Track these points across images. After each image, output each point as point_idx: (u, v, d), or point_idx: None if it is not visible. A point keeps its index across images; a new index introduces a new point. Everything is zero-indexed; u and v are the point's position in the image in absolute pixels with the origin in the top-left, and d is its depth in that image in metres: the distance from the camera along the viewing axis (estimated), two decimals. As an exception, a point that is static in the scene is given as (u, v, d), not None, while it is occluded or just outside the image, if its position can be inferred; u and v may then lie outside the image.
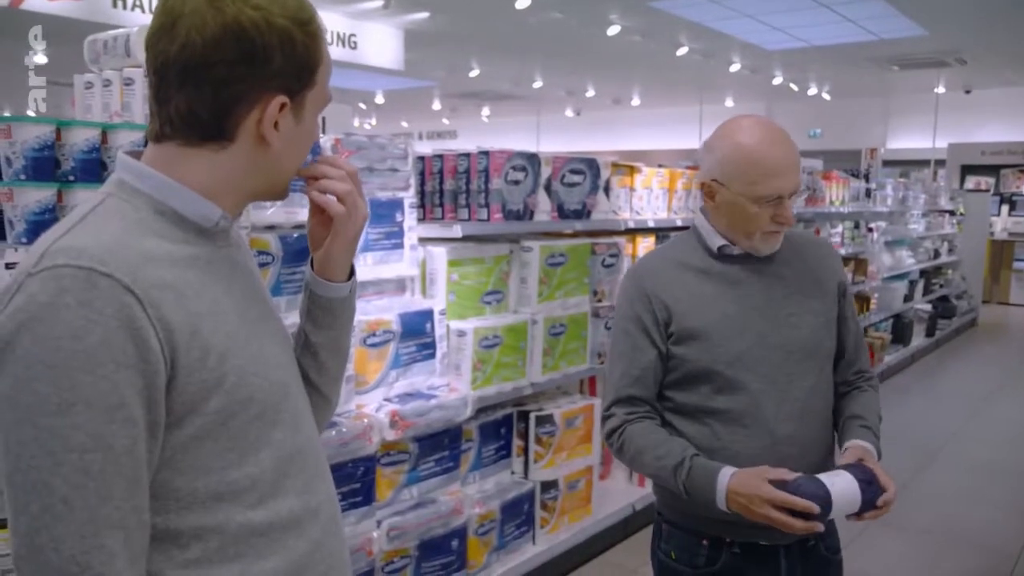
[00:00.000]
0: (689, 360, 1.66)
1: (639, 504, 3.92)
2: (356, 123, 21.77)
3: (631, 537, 3.89)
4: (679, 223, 4.23)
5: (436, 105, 17.43)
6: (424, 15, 8.20)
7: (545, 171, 3.34)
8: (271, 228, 2.46)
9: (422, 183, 3.31)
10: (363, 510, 2.59)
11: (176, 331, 0.88)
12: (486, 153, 3.12)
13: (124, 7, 6.60)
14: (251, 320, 1.01)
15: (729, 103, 15.46)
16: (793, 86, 12.84)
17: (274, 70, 0.94)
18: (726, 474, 1.53)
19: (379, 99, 15.96)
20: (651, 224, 4.03)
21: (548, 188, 3.37)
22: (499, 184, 3.11)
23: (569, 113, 18.10)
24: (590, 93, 14.53)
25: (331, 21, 8.16)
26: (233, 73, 0.92)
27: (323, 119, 3.11)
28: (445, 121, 20.78)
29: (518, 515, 3.22)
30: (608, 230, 3.80)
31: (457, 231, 2.99)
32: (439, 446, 2.88)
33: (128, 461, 0.85)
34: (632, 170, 3.92)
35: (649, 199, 4.04)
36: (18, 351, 0.82)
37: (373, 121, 21.99)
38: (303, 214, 2.50)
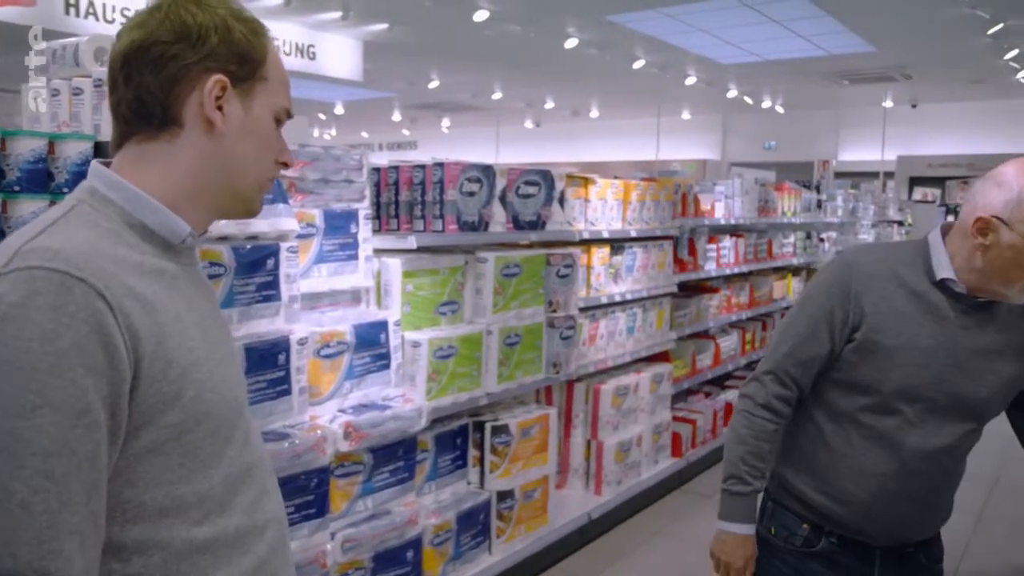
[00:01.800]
0: (860, 371, 1.67)
1: (595, 512, 3.96)
2: (316, 133, 21.67)
3: (588, 545, 3.93)
4: (633, 234, 4.30)
5: (396, 116, 17.43)
6: (383, 26, 8.22)
7: (500, 182, 3.37)
8: (223, 239, 2.45)
9: (378, 194, 3.32)
10: (316, 522, 2.58)
11: (142, 341, 0.89)
12: (441, 165, 3.14)
13: (78, 14, 6.50)
14: (211, 338, 1.02)
15: (686, 115, 15.71)
16: (747, 99, 13.09)
17: (210, 50, 0.99)
18: (745, 528, 1.75)
19: (339, 110, 15.92)
20: (605, 235, 4.08)
21: (503, 199, 3.40)
22: (454, 195, 3.13)
23: (529, 124, 18.22)
24: (549, 105, 14.66)
25: (289, 32, 8.14)
26: (169, 52, 0.98)
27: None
28: (405, 132, 20.76)
29: (474, 525, 3.23)
30: (563, 241, 3.84)
31: (412, 242, 3.00)
32: (394, 457, 2.88)
33: (89, 467, 0.85)
34: (586, 181, 3.98)
35: (604, 210, 4.10)
36: None
37: (333, 132, 21.88)
38: (256, 225, 2.52)
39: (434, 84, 12.09)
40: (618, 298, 4.22)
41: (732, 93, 12.45)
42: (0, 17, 6.23)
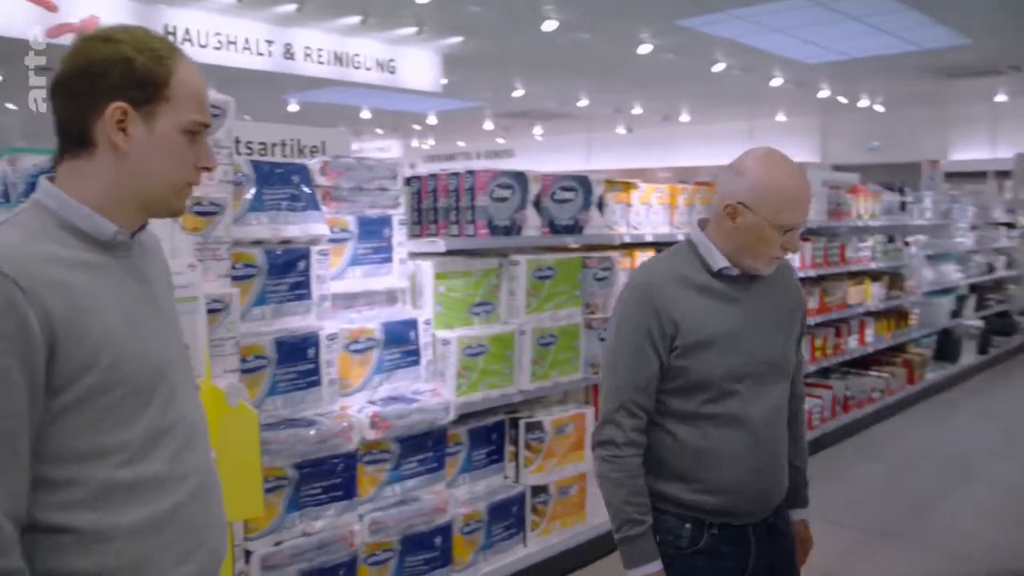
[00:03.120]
0: (691, 371, 1.81)
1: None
2: (414, 143, 22.35)
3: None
4: (681, 237, 4.33)
5: (488, 125, 17.76)
6: (459, 39, 8.48)
7: (533, 188, 3.50)
8: (258, 243, 2.69)
9: (419, 201, 3.51)
10: (344, 503, 2.78)
11: (56, 318, 1.11)
12: (472, 172, 3.30)
13: (176, 41, 7.03)
14: (136, 317, 1.22)
15: (780, 117, 15.35)
16: (842, 99, 12.70)
17: (111, 83, 1.18)
18: (654, 566, 1.79)
19: (431, 120, 16.38)
20: (649, 239, 4.14)
21: (537, 204, 3.53)
22: (484, 201, 3.29)
23: (621, 130, 18.20)
24: (637, 111, 14.64)
25: (370, 48, 8.53)
26: (77, 86, 1.19)
27: (323, 143, 3.37)
28: (500, 140, 21.10)
29: (506, 517, 3.36)
30: (603, 245, 3.93)
31: (441, 246, 3.18)
32: (422, 447, 3.05)
33: (6, 417, 1.07)
34: (628, 186, 4.05)
35: (648, 214, 4.16)
36: None
37: (431, 142, 22.51)
38: (288, 230, 2.75)
39: (518, 93, 12.32)
40: (664, 300, 4.26)
41: (825, 93, 12.12)
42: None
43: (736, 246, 1.81)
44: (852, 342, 6.15)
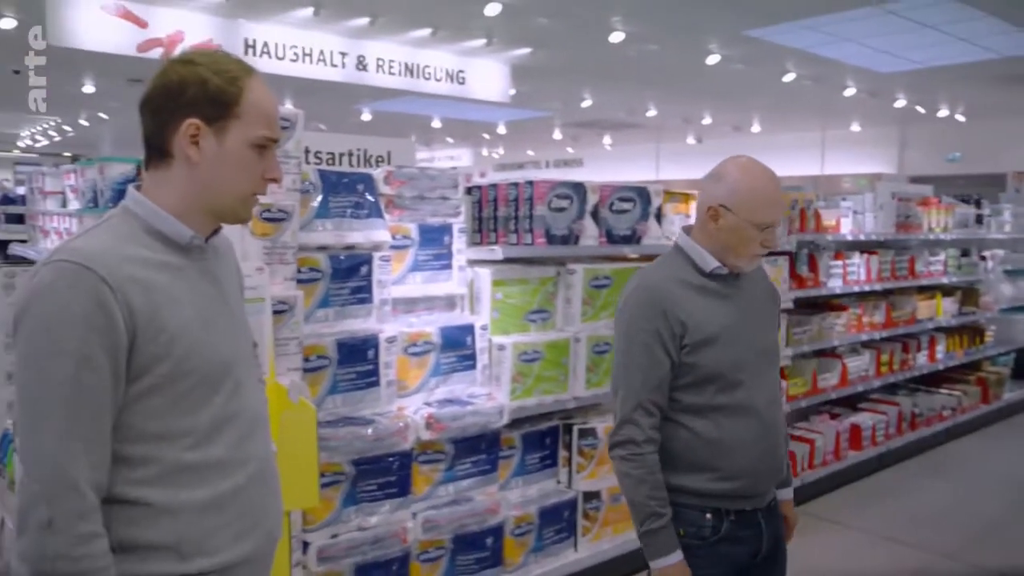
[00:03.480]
0: (700, 365, 1.93)
1: (690, 521, 4.02)
2: (484, 152, 22.60)
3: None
4: (740, 248, 4.33)
5: (557, 135, 17.84)
6: (527, 51, 8.60)
7: (592, 199, 3.57)
8: (322, 248, 2.82)
9: (480, 210, 3.62)
10: (398, 500, 2.89)
11: (137, 312, 1.24)
12: (531, 183, 3.39)
13: (255, 53, 7.35)
14: (208, 315, 1.35)
15: (855, 127, 15.01)
16: (919, 108, 12.35)
17: (187, 101, 1.31)
18: (676, 556, 1.90)
19: (501, 129, 16.55)
20: (707, 249, 4.15)
21: (595, 215, 3.59)
22: (542, 211, 3.36)
23: (691, 140, 18.05)
24: (707, 121, 14.53)
25: (440, 59, 8.72)
26: (158, 103, 1.33)
27: (389, 153, 3.50)
28: (569, 150, 21.15)
29: (557, 521, 3.42)
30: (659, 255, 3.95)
31: (498, 253, 3.26)
32: (476, 449, 3.14)
33: (93, 396, 1.20)
34: (687, 197, 4.07)
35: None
36: (29, 314, 1.21)
37: (501, 151, 22.73)
38: (351, 237, 2.88)
39: (587, 103, 12.37)
40: (722, 312, 4.26)
41: (901, 103, 11.81)
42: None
43: (720, 246, 1.96)
44: (921, 358, 6.00)
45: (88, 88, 10.80)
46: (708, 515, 1.96)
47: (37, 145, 18.59)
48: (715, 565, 1.97)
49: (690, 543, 1.94)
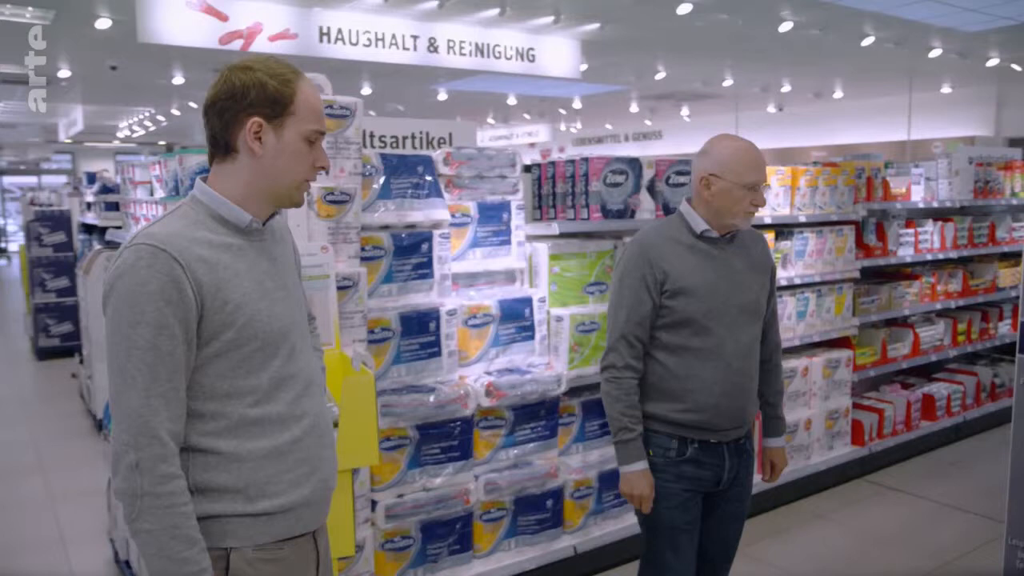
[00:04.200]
0: (678, 310, 2.30)
1: (753, 490, 4.08)
2: (562, 127, 22.59)
3: (746, 520, 4.06)
4: (802, 219, 4.33)
5: (634, 107, 17.70)
6: (595, 26, 8.60)
7: (648, 173, 3.65)
8: (385, 228, 3.01)
9: (539, 187, 3.74)
10: (460, 463, 3.07)
11: (204, 286, 1.43)
12: (587, 159, 3.49)
13: (330, 40, 7.61)
14: (266, 288, 1.53)
15: (946, 89, 14.38)
16: (1015, 67, 11.75)
17: (249, 101, 1.48)
18: (641, 465, 2.31)
19: (576, 104, 16.54)
20: (768, 221, 4.17)
21: (652, 189, 3.67)
22: (598, 187, 3.47)
23: (771, 109, 17.63)
24: (786, 88, 14.16)
25: (509, 37, 8.81)
26: (224, 105, 1.50)
27: (450, 134, 3.65)
28: (647, 122, 20.94)
29: (616, 485, 3.54)
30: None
31: (555, 228, 3.39)
32: (535, 416, 3.29)
33: (169, 359, 1.39)
34: (746, 169, 4.09)
35: (767, 196, 4.18)
36: (115, 290, 1.41)
37: (578, 125, 22.67)
38: (412, 216, 3.05)
39: (660, 75, 12.25)
40: (784, 282, 4.28)
41: (994, 62, 11.26)
42: (275, 50, 7.48)
43: (715, 210, 2.29)
44: (1004, 327, 5.84)
45: (178, 79, 11.36)
46: (674, 440, 2.33)
47: (134, 135, 19.60)
48: (678, 480, 2.33)
49: (657, 461, 2.34)
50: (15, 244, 20.25)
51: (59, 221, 8.49)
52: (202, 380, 1.45)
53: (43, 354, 8.25)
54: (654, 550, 2.41)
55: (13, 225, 22.93)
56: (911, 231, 5.03)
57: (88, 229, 7.90)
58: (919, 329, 5.16)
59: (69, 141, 21.29)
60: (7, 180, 25.19)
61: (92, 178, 7.91)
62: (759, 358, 2.44)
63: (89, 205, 7.66)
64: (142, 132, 19.05)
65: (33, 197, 10.07)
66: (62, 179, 23.32)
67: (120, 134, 20.34)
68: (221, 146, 1.53)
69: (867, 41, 9.23)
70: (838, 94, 14.88)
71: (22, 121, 17.88)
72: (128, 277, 1.39)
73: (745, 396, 2.36)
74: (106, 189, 6.78)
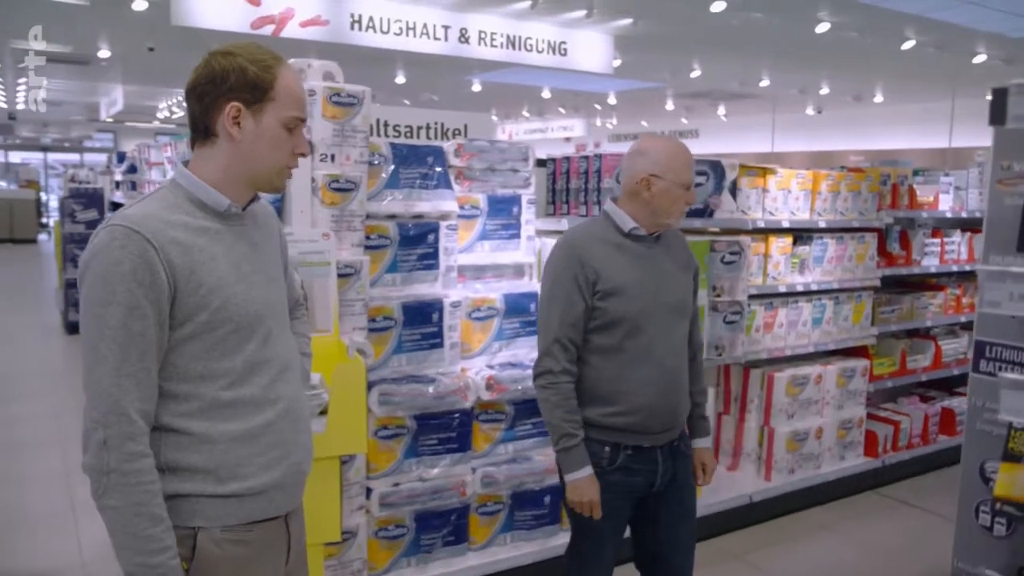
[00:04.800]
0: (610, 311, 2.26)
1: (758, 496, 4.05)
2: (597, 122, 22.49)
3: (749, 527, 4.03)
4: (822, 224, 4.26)
5: (670, 105, 17.56)
6: (628, 21, 8.53)
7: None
8: (392, 217, 3.01)
9: (554, 182, 3.73)
10: (458, 455, 3.07)
11: (177, 268, 1.44)
12: (600, 156, 3.47)
13: (361, 28, 7.64)
14: (243, 272, 1.54)
15: (991, 96, 14.01)
16: (1063, 76, 11.42)
17: (229, 87, 1.49)
18: (587, 471, 2.25)
19: (611, 100, 16.44)
20: (786, 225, 4.11)
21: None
22: (610, 183, 3.44)
23: (810, 111, 17.38)
24: (825, 90, 13.94)
25: (541, 31, 8.78)
26: (204, 89, 1.51)
27: (465, 126, 3.64)
28: (684, 121, 20.78)
29: (617, 485, 3.52)
30: (736, 229, 3.96)
31: (565, 224, 3.37)
32: (536, 411, 3.24)
33: (140, 339, 1.40)
34: (765, 172, 4.04)
35: (786, 200, 4.12)
36: (90, 269, 1.42)
37: (614, 120, 22.55)
38: (420, 206, 3.05)
39: (696, 73, 12.13)
40: (801, 288, 4.22)
41: (1041, 70, 10.98)
42: (306, 36, 7.54)
43: (653, 210, 2.29)
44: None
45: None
46: (607, 448, 2.30)
47: (173, 116, 19.90)
48: (607, 490, 2.28)
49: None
50: (55, 220, 20.71)
51: (92, 198, 8.66)
52: (176, 361, 1.47)
53: (72, 329, 8.43)
54: (579, 548, 2.43)
55: (55, 201, 23.46)
56: (937, 241, 4.93)
57: (117, 207, 8.03)
58: (941, 341, 5.05)
59: (110, 120, 21.68)
60: (52, 157, 25.75)
61: (122, 157, 8.04)
62: (687, 351, 2.44)
63: (118, 184, 7.80)
64: (180, 113, 19.32)
65: (73, 174, 10.27)
66: (103, 157, 23.81)
67: (160, 114, 20.66)
68: (201, 130, 1.54)
69: (908, 45, 9.04)
70: (878, 98, 14.63)
71: (66, 99, 18.25)
72: (102, 257, 1.40)
73: (678, 395, 2.35)
74: (133, 168, 6.89)
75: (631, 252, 2.31)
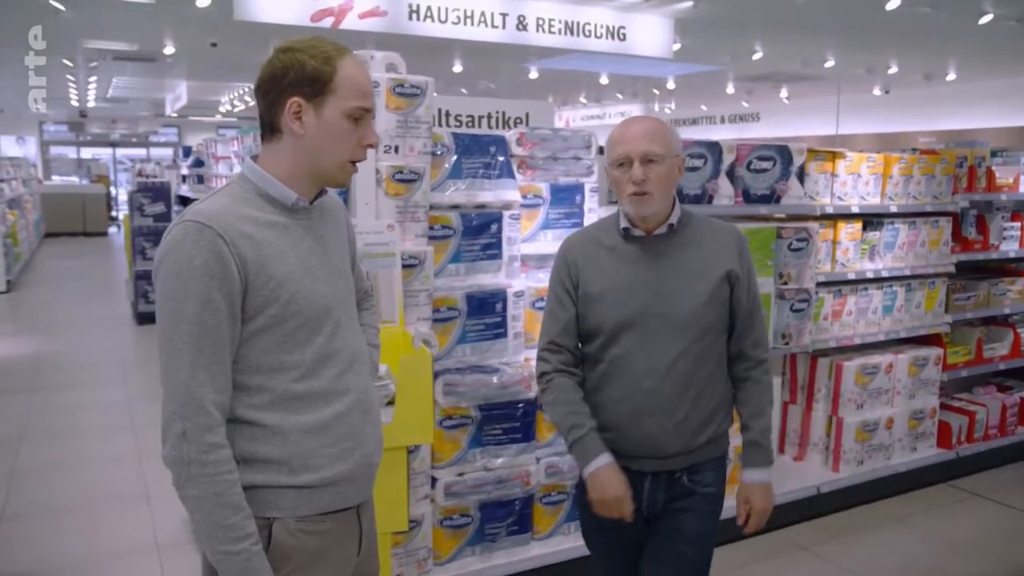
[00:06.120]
0: (587, 318, 2.08)
1: (826, 487, 3.96)
2: (656, 108, 22.19)
3: (817, 519, 3.94)
4: (893, 209, 4.12)
5: (730, 88, 17.19)
6: (688, 4, 8.38)
7: (727, 158, 3.54)
8: (455, 207, 3.01)
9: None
10: (522, 445, 3.06)
11: (248, 263, 1.46)
12: (662, 142, 3.40)
13: (419, 18, 7.66)
14: (310, 266, 1.56)
15: (1073, 72, 13.39)
16: None
17: (289, 82, 1.50)
18: (604, 458, 1.99)
19: (670, 85, 16.19)
20: (855, 210, 3.99)
21: (731, 174, 3.56)
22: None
23: (877, 92, 16.83)
24: (893, 70, 13.48)
25: (600, 16, 8.68)
26: (267, 87, 1.53)
27: (527, 114, 3.62)
28: (744, 104, 20.35)
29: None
30: (804, 215, 3.86)
31: (627, 213, 3.32)
32: (600, 402, 3.25)
33: (214, 333, 1.43)
34: (834, 156, 3.92)
35: (856, 185, 4.00)
36: (164, 265, 1.45)
37: (672, 106, 22.21)
38: (482, 196, 3.05)
39: (758, 55, 11.85)
40: (871, 275, 4.09)
41: None
42: (365, 28, 7.59)
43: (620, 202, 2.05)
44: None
45: (274, 56, 11.64)
46: None
47: (235, 110, 20.31)
48: (585, 507, 2.10)
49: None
50: (124, 213, 21.37)
51: (159, 192, 8.90)
52: (248, 354, 1.49)
53: (142, 319, 8.69)
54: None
55: (124, 195, 24.22)
56: (1017, 224, 4.73)
57: (183, 201, 8.24)
58: (1021, 329, 4.85)
59: (175, 115, 22.25)
60: (120, 152, 26.58)
61: (188, 151, 8.24)
62: (706, 372, 2.04)
63: (184, 178, 7.99)
64: (242, 107, 19.72)
65: (141, 168, 10.57)
66: (168, 152, 24.46)
67: (222, 108, 21.11)
68: (267, 126, 1.56)
69: (985, 19, 8.67)
70: (951, 76, 14.07)
71: (133, 96, 18.78)
72: (175, 253, 1.43)
73: (662, 422, 1.99)
74: (199, 163, 7.05)
75: (623, 255, 2.06)
